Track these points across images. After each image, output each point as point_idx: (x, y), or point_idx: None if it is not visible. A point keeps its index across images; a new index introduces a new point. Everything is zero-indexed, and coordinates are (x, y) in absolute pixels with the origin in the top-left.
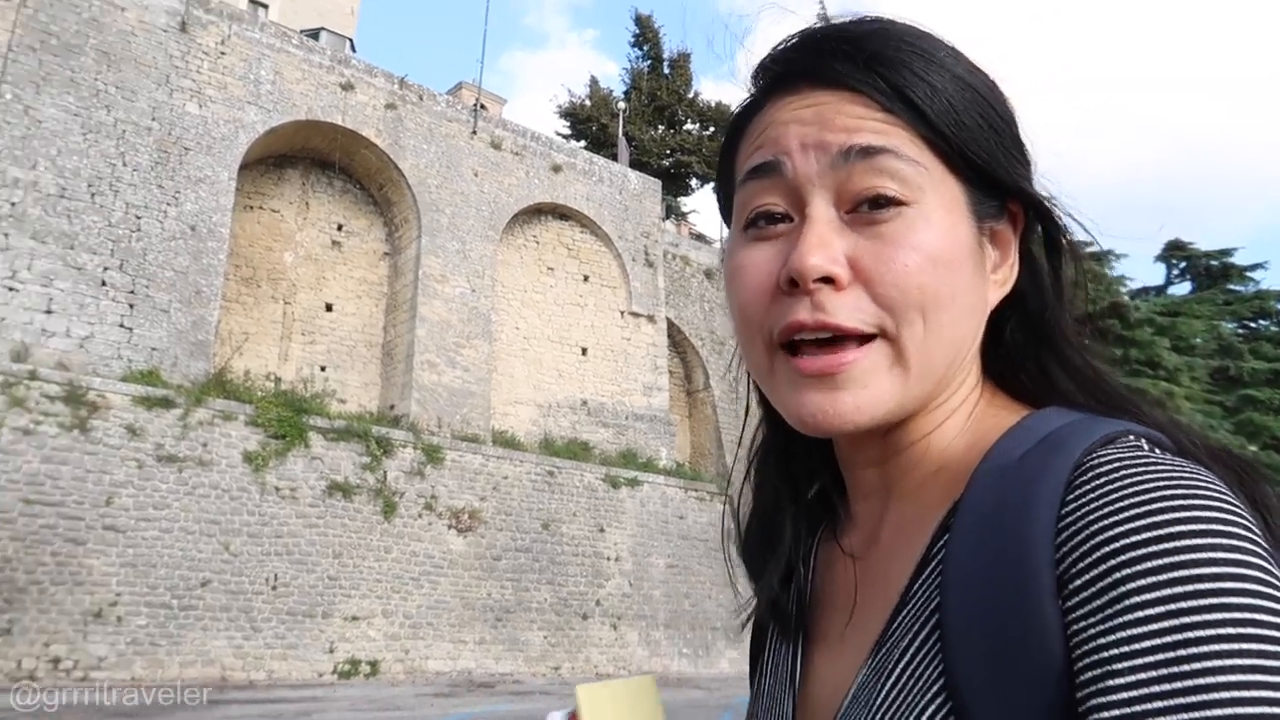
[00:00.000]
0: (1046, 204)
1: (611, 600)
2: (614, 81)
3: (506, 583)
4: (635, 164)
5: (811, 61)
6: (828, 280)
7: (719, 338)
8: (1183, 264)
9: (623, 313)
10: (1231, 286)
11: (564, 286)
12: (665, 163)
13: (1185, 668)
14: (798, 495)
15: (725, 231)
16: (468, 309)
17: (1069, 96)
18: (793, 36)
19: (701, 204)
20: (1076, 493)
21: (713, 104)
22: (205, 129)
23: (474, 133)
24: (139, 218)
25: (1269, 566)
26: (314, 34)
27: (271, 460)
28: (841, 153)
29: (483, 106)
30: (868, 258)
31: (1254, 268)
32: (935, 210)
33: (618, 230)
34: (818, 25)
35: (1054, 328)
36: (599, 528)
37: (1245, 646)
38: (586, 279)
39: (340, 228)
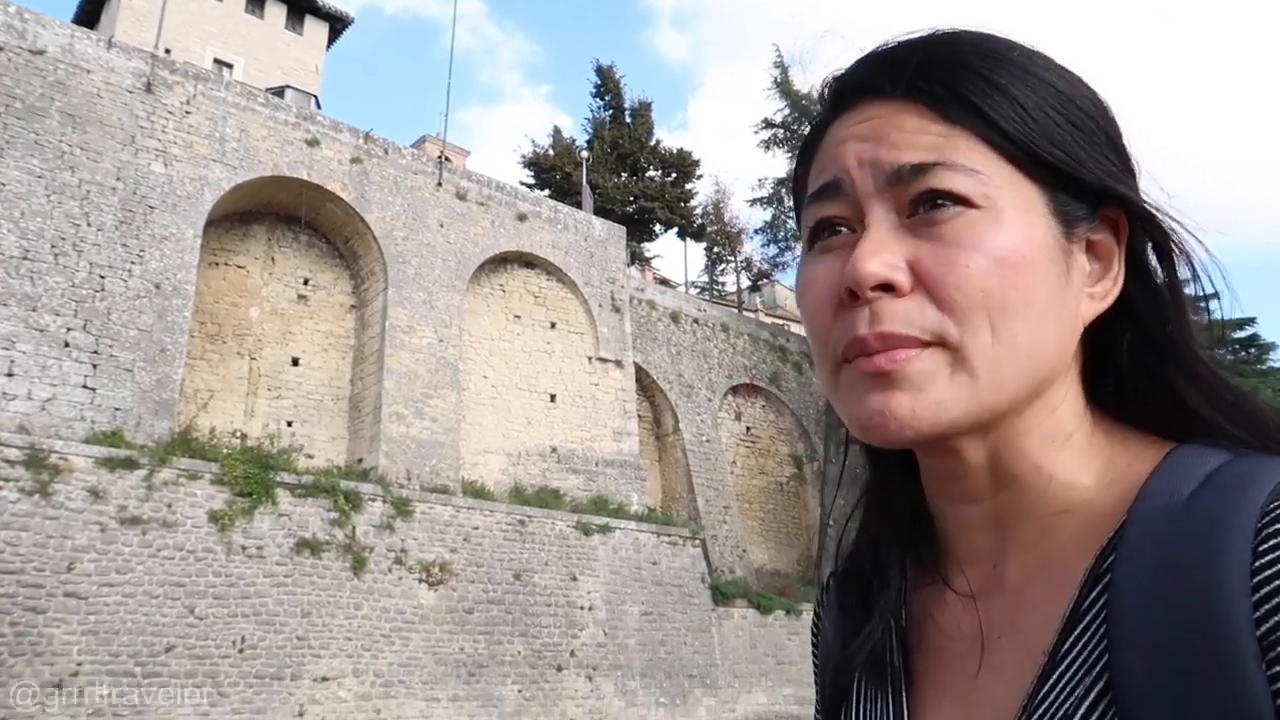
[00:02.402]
0: (1147, 207)
1: (586, 650)
2: (576, 131)
3: (479, 636)
4: (599, 211)
5: (869, 75)
6: (887, 288)
7: (686, 381)
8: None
9: (590, 359)
10: None
11: (531, 334)
12: (629, 209)
13: None
14: (891, 527)
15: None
16: (435, 359)
17: None
18: (861, 57)
19: (666, 249)
20: (1272, 542)
21: (674, 150)
22: (170, 187)
23: (439, 184)
24: (103, 277)
25: None
26: (279, 91)
27: (238, 519)
28: (895, 170)
29: (447, 159)
30: (928, 260)
31: (1210, 298)
32: (1006, 211)
33: (584, 277)
34: (884, 42)
35: (1180, 344)
36: (571, 576)
37: None
38: (554, 326)
39: (306, 281)
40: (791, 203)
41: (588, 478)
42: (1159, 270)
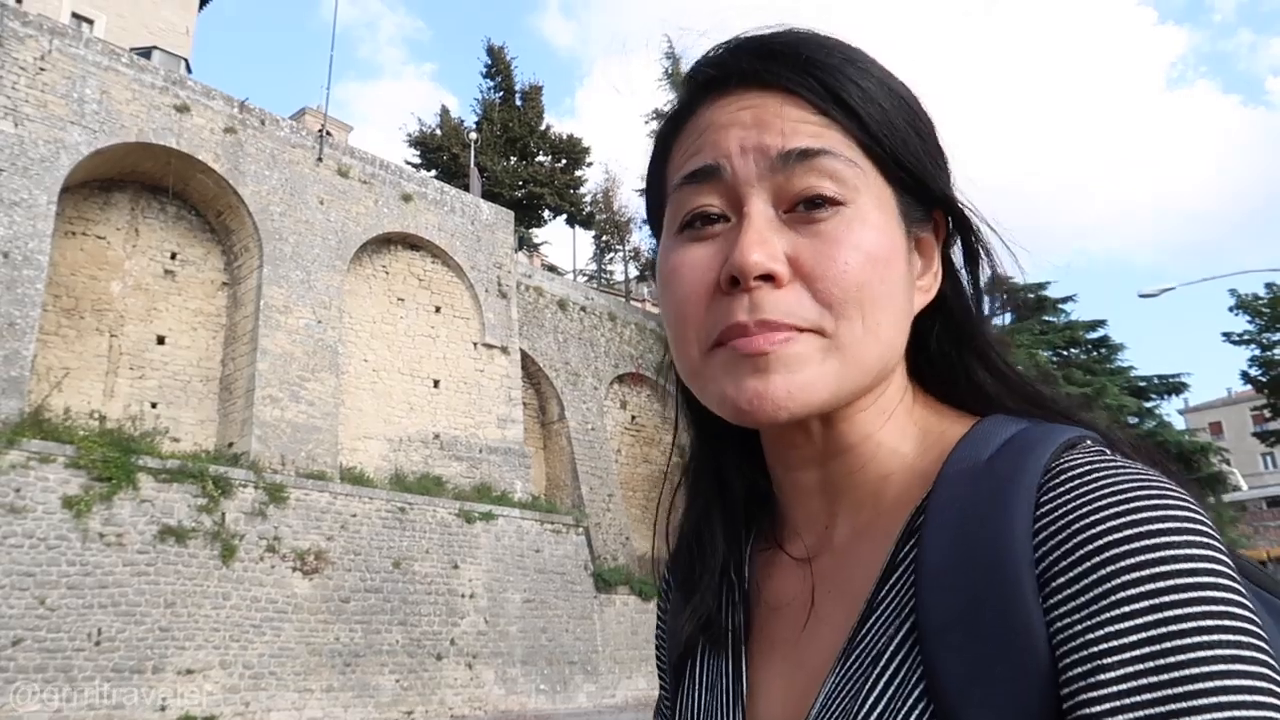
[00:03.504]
0: (970, 213)
1: (466, 639)
2: (464, 112)
3: (356, 625)
4: (487, 195)
5: (747, 64)
6: (768, 278)
7: (573, 368)
8: (1003, 296)
9: (475, 344)
10: (1047, 318)
11: (415, 318)
12: (518, 194)
13: (1173, 659)
14: (726, 503)
15: (649, 242)
16: (313, 341)
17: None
18: (725, 43)
19: (554, 235)
20: (1052, 494)
21: (564, 136)
22: (21, 149)
23: (320, 159)
24: None
25: (1229, 561)
26: (145, 53)
27: (95, 505)
28: (780, 155)
29: (328, 133)
30: (807, 255)
31: (1066, 300)
32: (871, 211)
33: (470, 261)
34: (747, 34)
35: (978, 335)
36: (453, 564)
37: (1227, 638)
38: (438, 310)
39: (174, 256)
40: None
41: (471, 465)
42: (963, 267)
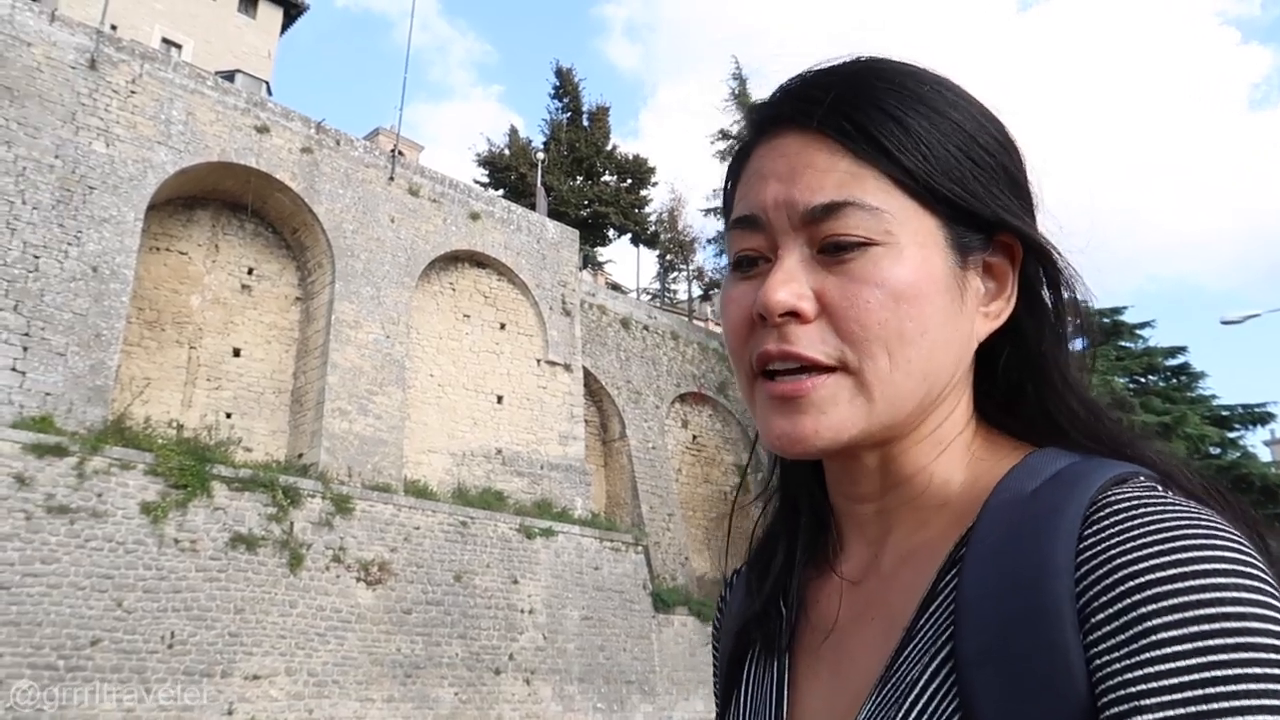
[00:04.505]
0: (1036, 238)
1: (525, 654)
2: (531, 132)
3: (417, 637)
4: (553, 214)
5: (788, 107)
6: (794, 315)
7: (635, 387)
8: (1077, 321)
9: (539, 361)
10: (1123, 344)
11: (480, 334)
12: (583, 213)
13: (1214, 706)
14: (794, 521)
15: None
16: (381, 355)
17: None
18: (782, 84)
19: (618, 254)
20: (1095, 527)
21: (630, 156)
22: (112, 168)
23: (391, 178)
24: (37, 258)
25: (1278, 603)
26: (229, 76)
27: (171, 511)
28: (807, 210)
29: (400, 153)
30: (833, 293)
31: (1143, 325)
32: (906, 247)
33: (535, 279)
34: (806, 70)
35: (1051, 365)
36: (513, 579)
37: (1270, 686)
38: (503, 327)
39: (251, 271)
40: None
41: (532, 480)
42: (1048, 296)
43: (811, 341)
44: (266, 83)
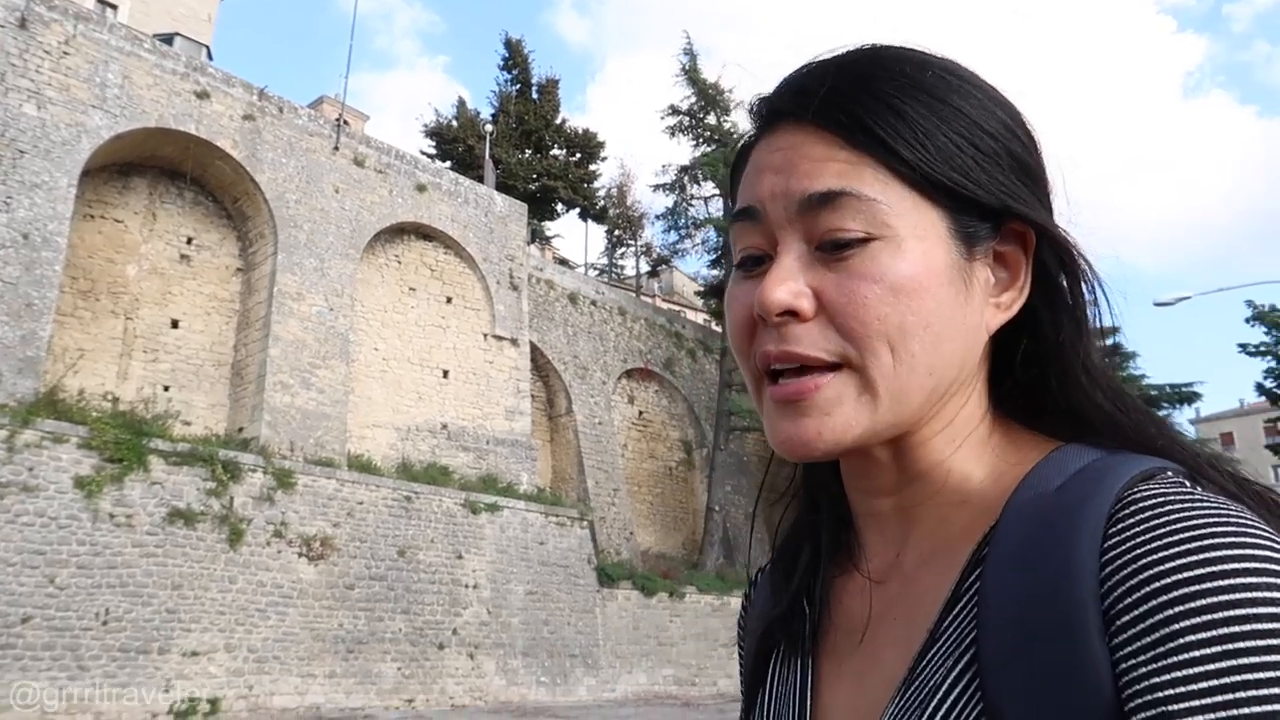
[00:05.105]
0: (1044, 224)
1: (469, 629)
2: (480, 104)
3: (359, 612)
4: (501, 187)
5: (787, 101)
6: (792, 314)
7: (582, 362)
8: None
9: (485, 335)
10: None
11: (426, 308)
12: (531, 187)
13: (1243, 711)
14: (813, 523)
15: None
16: (325, 328)
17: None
18: (786, 75)
19: (566, 228)
20: (1120, 526)
21: (579, 130)
22: (43, 131)
23: (336, 148)
24: None
25: None
26: (167, 39)
27: (106, 486)
28: (803, 200)
29: (345, 122)
30: (831, 290)
31: None
32: (905, 240)
33: (482, 252)
34: (809, 60)
35: (1071, 355)
36: (457, 554)
37: None
38: (449, 300)
39: (190, 241)
40: (693, 190)
41: (478, 455)
42: (1066, 285)
43: (812, 340)
44: (207, 47)
